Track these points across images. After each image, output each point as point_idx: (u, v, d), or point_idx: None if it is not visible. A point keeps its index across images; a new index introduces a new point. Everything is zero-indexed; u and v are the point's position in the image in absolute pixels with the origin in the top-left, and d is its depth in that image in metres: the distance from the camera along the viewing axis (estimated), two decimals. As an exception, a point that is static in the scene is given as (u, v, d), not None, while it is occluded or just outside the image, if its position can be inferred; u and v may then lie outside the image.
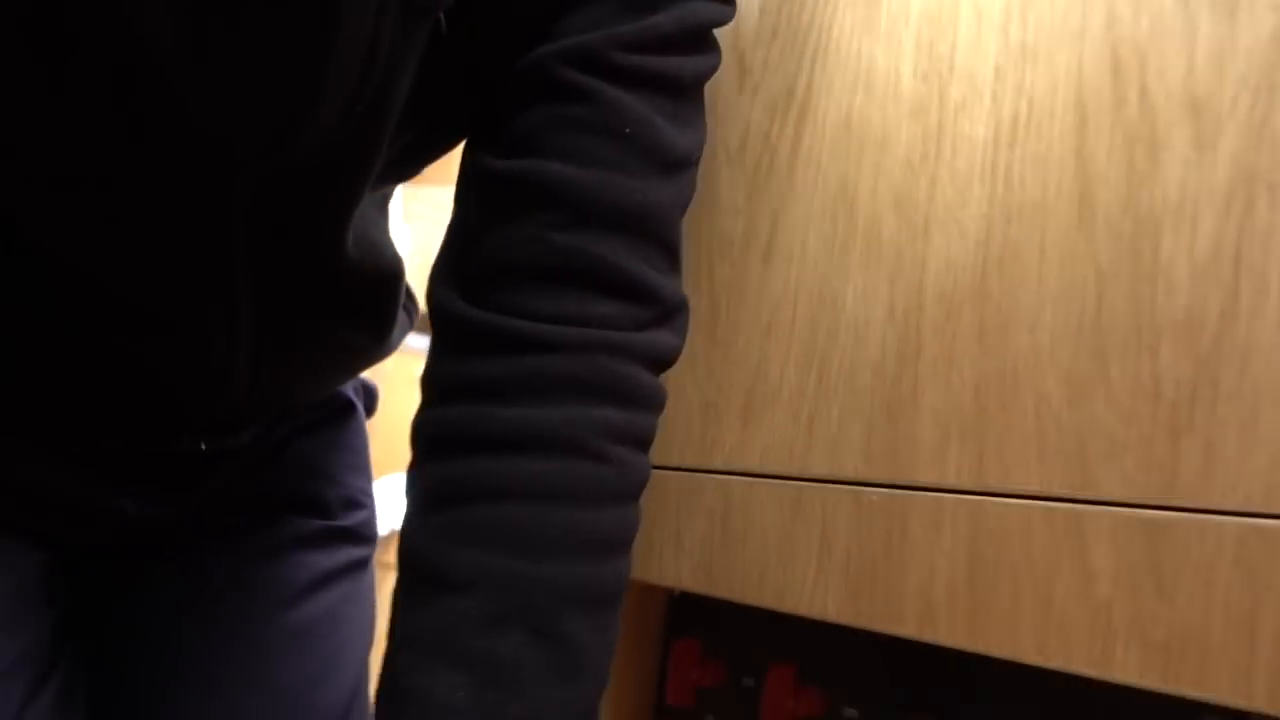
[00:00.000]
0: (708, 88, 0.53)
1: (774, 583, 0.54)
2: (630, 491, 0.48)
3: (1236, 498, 0.38)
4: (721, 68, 0.64)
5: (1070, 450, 0.43)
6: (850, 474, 0.52)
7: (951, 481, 0.47)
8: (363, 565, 0.73)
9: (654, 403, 0.49)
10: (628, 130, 0.48)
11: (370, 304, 0.58)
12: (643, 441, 0.49)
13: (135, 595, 0.65)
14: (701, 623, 0.65)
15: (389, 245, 0.58)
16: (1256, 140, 0.39)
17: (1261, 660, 0.36)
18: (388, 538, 2.13)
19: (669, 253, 0.50)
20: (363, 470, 0.76)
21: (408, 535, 0.48)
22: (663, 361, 0.50)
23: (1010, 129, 0.48)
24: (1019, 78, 0.48)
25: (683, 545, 0.60)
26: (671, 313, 0.50)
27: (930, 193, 0.51)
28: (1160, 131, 0.42)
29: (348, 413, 0.72)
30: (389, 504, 2.05)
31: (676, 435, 0.62)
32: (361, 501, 0.74)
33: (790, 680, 0.58)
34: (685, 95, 0.51)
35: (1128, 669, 0.40)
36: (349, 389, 0.73)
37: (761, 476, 0.56)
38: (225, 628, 0.64)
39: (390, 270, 0.57)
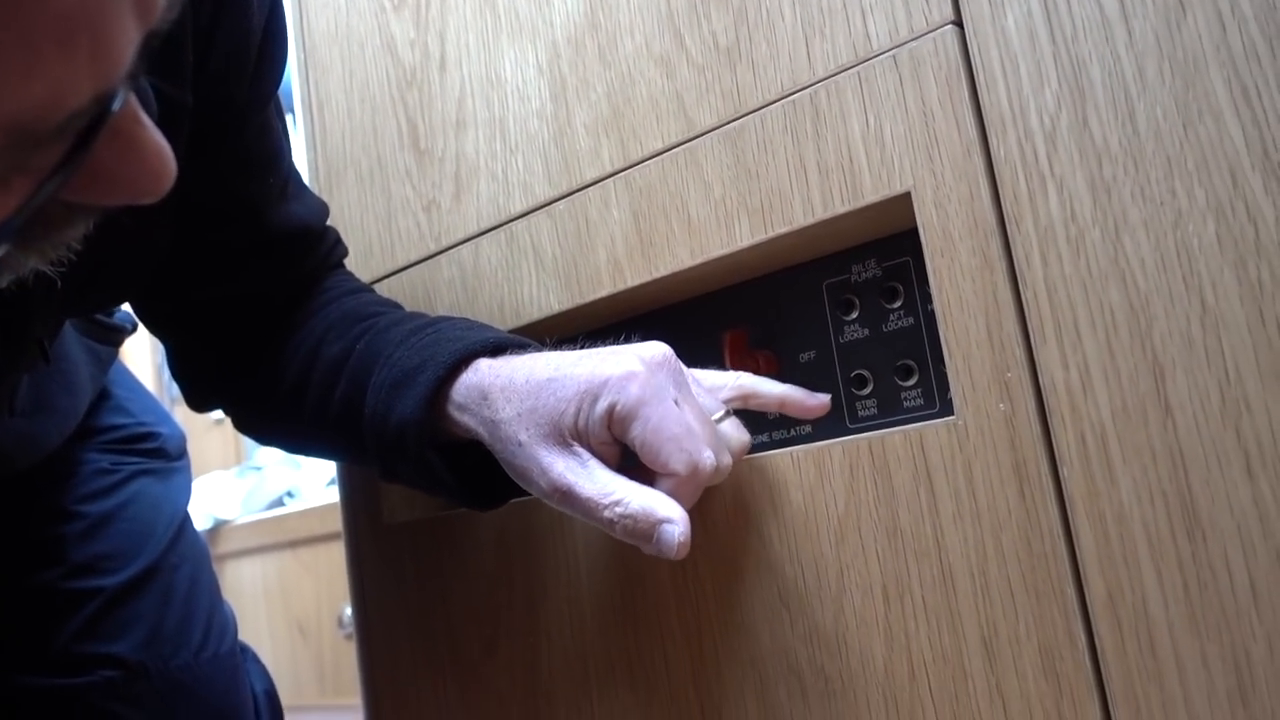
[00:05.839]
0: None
1: (512, 307, 0.67)
2: None
3: (776, 89, 0.54)
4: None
5: (675, 109, 0.58)
6: (542, 199, 0.65)
7: (609, 169, 0.61)
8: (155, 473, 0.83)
9: None
10: None
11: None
12: None
13: None
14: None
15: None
16: None
17: (813, 184, 0.52)
18: (214, 529, 2.12)
19: None
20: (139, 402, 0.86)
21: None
22: None
23: (583, -100, 0.63)
24: None
25: (439, 319, 0.72)
26: None
27: (543, -31, 0.65)
28: None
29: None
30: (212, 500, 2.06)
31: (410, 239, 0.74)
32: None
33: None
34: None
35: (744, 235, 0.55)
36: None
37: (480, 235, 0.69)
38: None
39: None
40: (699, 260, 0.57)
